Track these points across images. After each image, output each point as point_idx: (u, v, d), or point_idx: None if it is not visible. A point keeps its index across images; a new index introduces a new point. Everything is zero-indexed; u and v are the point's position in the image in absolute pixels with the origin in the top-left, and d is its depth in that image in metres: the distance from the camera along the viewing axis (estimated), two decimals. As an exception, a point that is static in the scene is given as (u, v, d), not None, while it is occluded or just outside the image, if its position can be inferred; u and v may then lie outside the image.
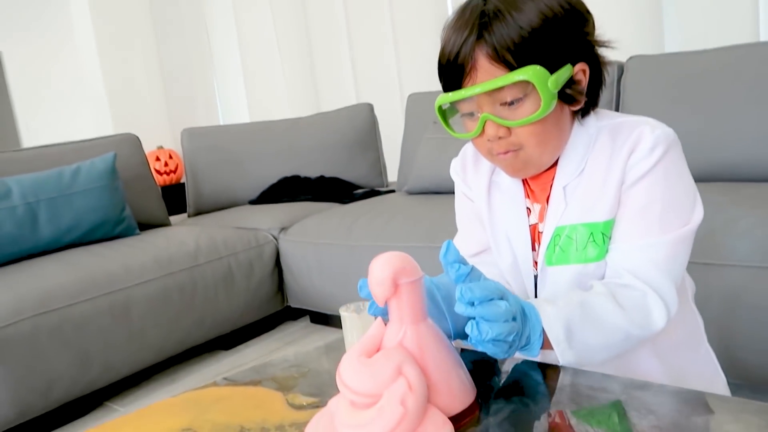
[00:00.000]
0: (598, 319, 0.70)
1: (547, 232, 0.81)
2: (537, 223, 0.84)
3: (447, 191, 1.66)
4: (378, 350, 0.62)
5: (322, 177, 2.99)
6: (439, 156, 2.40)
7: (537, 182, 0.83)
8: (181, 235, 2.38)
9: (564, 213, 0.79)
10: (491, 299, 0.62)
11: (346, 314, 0.82)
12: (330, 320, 2.55)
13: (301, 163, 3.01)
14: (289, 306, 2.64)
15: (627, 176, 0.75)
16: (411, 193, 2.61)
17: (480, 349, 0.62)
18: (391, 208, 2.35)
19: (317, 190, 2.92)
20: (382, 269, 0.59)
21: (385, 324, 0.64)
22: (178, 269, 2.19)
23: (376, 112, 3.08)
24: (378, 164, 3.10)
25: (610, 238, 0.77)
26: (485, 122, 0.74)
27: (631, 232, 0.75)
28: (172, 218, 2.93)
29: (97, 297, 1.93)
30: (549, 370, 0.71)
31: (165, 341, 2.12)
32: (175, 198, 3.53)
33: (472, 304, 0.62)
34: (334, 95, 3.68)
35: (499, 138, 0.74)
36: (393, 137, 3.02)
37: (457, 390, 0.61)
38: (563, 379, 0.70)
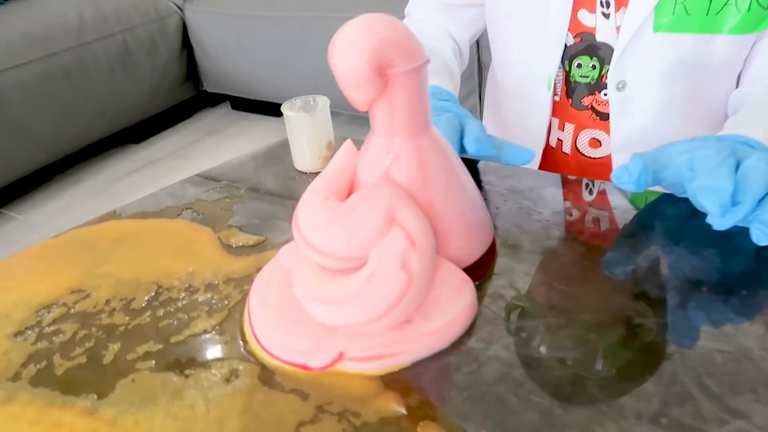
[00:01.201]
0: None
1: None
2: None
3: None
4: (351, 188, 0.40)
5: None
6: None
7: None
8: (58, 4, 1.90)
9: None
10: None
11: (291, 114, 0.58)
12: (254, 106, 2.27)
13: None
14: (205, 91, 2.31)
15: None
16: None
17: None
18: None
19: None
20: (357, 51, 0.35)
21: (357, 147, 0.42)
22: (59, 49, 1.78)
23: None
24: None
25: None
26: None
27: None
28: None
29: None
30: (571, 183, 0.53)
31: (57, 136, 1.80)
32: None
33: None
34: None
35: None
36: None
37: (474, 231, 0.42)
38: (585, 195, 0.53)
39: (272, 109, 2.22)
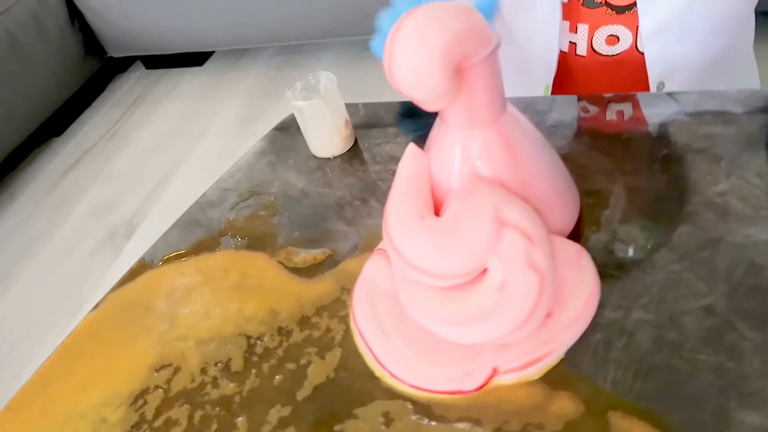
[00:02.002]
0: None
1: None
2: None
3: None
4: (433, 197, 0.37)
5: None
6: None
7: None
8: None
9: None
10: None
11: (302, 103, 0.52)
12: (170, 60, 2.09)
13: None
14: (112, 57, 2.09)
15: None
16: None
17: None
18: None
19: None
20: (426, 51, 0.30)
21: (420, 146, 0.38)
22: (-63, 58, 1.55)
23: None
24: None
25: None
26: None
27: None
28: None
29: None
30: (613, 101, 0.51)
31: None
32: None
33: None
34: None
35: None
36: None
37: (567, 194, 0.40)
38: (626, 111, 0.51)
39: (192, 59, 2.06)
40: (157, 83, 2.09)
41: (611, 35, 0.59)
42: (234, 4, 1.68)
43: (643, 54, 0.58)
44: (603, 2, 0.57)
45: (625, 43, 0.59)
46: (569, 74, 0.64)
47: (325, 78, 0.54)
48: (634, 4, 0.56)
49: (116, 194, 1.62)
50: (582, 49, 0.61)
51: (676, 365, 0.33)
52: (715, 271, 0.36)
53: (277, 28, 1.74)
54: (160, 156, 1.71)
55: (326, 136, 0.54)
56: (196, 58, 2.07)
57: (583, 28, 0.59)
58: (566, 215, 0.39)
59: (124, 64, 2.19)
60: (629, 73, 0.61)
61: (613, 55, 0.60)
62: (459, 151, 0.36)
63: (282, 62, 1.96)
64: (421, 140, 0.39)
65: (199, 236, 0.52)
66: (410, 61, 0.31)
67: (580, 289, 0.36)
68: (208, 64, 2.11)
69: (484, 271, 0.34)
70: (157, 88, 2.06)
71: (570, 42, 0.61)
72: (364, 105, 0.61)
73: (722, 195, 0.41)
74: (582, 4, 0.58)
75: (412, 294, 0.37)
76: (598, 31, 0.59)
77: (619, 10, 0.57)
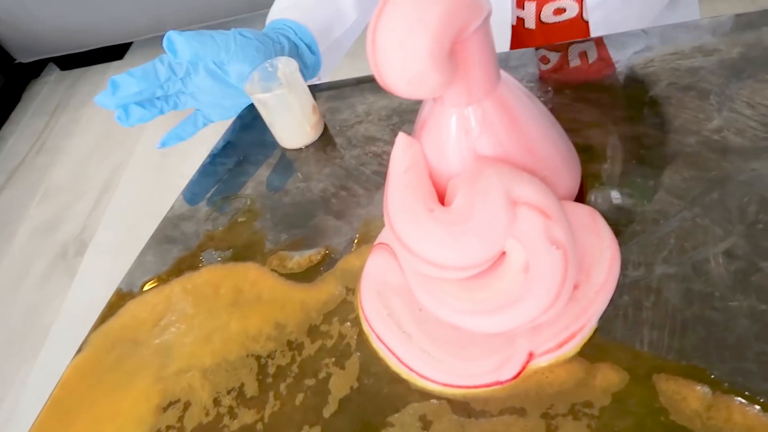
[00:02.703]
0: None
1: None
2: None
3: None
4: (435, 186, 0.35)
5: None
6: None
7: None
8: None
9: None
10: None
11: (265, 96, 0.48)
12: (86, 58, 1.95)
13: None
14: (21, 63, 1.94)
15: None
16: None
17: None
18: None
19: None
20: (422, 27, 0.27)
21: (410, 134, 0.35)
22: None
23: None
24: None
25: None
26: None
27: None
28: None
29: None
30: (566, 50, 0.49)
31: None
32: None
33: None
34: None
35: None
36: None
37: (569, 155, 0.38)
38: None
39: (110, 53, 1.93)
40: (77, 85, 1.95)
41: (558, 8, 0.58)
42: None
43: (587, 22, 0.58)
44: None
45: (571, 14, 0.58)
46: (518, 45, 0.63)
47: (283, 64, 0.50)
48: None
49: (58, 210, 1.52)
50: (531, 23, 0.60)
51: (709, 317, 0.32)
52: (729, 213, 0.36)
53: (199, 7, 1.64)
54: (98, 162, 1.61)
55: (296, 126, 0.50)
56: (114, 52, 1.95)
57: (530, 6, 0.58)
58: (571, 177, 0.38)
59: (36, 69, 2.04)
60: (574, 36, 0.60)
61: (561, 22, 0.59)
62: (458, 132, 0.33)
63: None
64: (399, 119, 0.36)
65: (177, 255, 0.48)
66: (402, 41, 0.28)
67: (601, 253, 0.35)
68: (129, 56, 1.98)
69: (502, 255, 0.33)
70: (78, 90, 1.93)
71: (518, 17, 0.60)
72: (326, 85, 0.58)
73: (718, 131, 0.40)
74: None
75: (430, 289, 0.34)
76: (545, 6, 0.58)
77: None
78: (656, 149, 0.41)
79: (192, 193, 0.53)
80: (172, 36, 0.46)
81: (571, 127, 0.43)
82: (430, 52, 0.28)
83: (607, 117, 0.44)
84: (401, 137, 0.35)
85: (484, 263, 0.32)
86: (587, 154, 0.42)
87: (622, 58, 0.49)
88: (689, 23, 0.49)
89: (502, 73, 0.34)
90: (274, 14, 0.56)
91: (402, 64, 0.28)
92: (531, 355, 0.33)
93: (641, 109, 0.44)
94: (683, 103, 0.43)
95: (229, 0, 1.62)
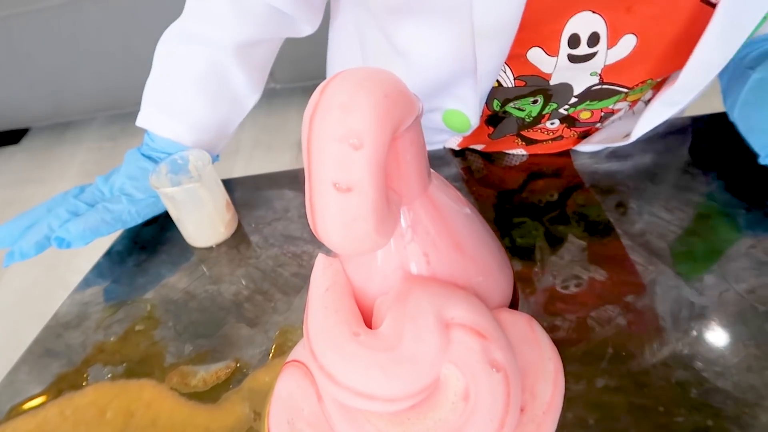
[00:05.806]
0: None
1: None
2: None
3: None
4: (360, 306, 0.32)
5: None
6: None
7: None
8: None
9: None
10: None
11: (173, 190, 0.44)
12: (26, 134, 1.80)
13: None
14: None
15: None
16: None
17: None
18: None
19: None
20: (362, 114, 0.25)
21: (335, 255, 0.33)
22: None
23: None
24: None
25: None
26: None
27: None
28: None
29: None
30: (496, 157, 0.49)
31: None
32: None
33: None
34: None
35: None
36: None
37: (503, 263, 0.37)
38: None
39: (4, 137, 1.80)
40: (21, 159, 1.79)
41: (510, 155, 0.53)
42: (48, 74, 1.50)
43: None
44: (516, 134, 0.51)
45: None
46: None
47: (194, 157, 0.46)
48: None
49: None
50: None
51: (657, 434, 0.30)
52: (662, 319, 0.35)
53: (98, 95, 1.58)
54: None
55: (207, 223, 0.46)
56: (9, 136, 1.82)
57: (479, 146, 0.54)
58: (505, 282, 0.36)
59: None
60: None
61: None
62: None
63: (116, 132, 1.79)
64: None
65: (57, 371, 0.41)
66: (350, 120, 0.25)
67: (545, 367, 0.32)
68: (25, 141, 1.86)
69: (436, 383, 0.29)
70: (21, 161, 1.77)
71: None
72: (241, 179, 0.54)
73: (641, 235, 0.40)
74: (488, 135, 0.52)
75: (355, 421, 0.30)
76: (496, 152, 0.53)
77: (529, 141, 0.51)
78: (585, 251, 0.40)
79: (82, 295, 0.47)
80: (63, 235, 0.45)
81: (494, 229, 0.42)
82: (374, 145, 0.25)
83: (532, 220, 0.43)
84: (320, 258, 0.33)
85: (417, 395, 0.29)
86: (517, 255, 0.41)
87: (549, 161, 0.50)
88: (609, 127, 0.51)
89: (437, 180, 0.33)
90: (157, 125, 0.50)
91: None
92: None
93: (568, 210, 0.44)
94: (607, 206, 0.43)
95: (129, 90, 1.57)
